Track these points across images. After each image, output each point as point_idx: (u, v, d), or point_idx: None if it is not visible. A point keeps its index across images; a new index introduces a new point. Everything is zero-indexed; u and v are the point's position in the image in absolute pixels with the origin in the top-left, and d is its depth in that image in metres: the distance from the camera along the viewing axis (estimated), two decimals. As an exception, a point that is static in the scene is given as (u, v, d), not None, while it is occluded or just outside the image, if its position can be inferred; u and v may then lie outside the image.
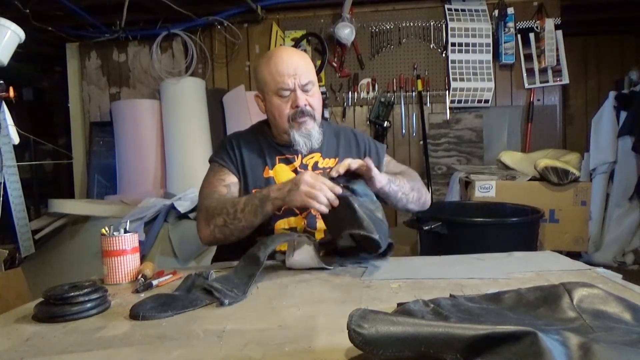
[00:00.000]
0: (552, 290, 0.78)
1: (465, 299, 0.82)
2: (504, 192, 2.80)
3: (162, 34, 3.64)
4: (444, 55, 3.62)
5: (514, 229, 2.11)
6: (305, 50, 3.58)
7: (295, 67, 1.35)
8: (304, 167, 1.43)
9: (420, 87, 3.60)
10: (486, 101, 3.55)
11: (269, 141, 1.46)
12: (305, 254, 1.16)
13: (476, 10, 3.56)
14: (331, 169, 1.25)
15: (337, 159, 1.46)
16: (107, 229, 1.16)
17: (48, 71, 4.77)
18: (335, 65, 3.68)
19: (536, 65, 3.54)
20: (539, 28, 3.51)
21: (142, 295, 1.02)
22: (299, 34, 3.70)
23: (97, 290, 0.93)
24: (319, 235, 1.36)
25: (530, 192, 2.80)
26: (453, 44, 3.54)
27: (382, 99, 3.63)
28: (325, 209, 1.17)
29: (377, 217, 1.21)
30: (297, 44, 3.64)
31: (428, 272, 1.12)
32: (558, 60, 3.48)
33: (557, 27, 3.48)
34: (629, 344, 0.60)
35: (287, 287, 1.04)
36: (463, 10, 3.56)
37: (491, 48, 3.52)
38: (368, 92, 3.68)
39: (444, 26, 3.60)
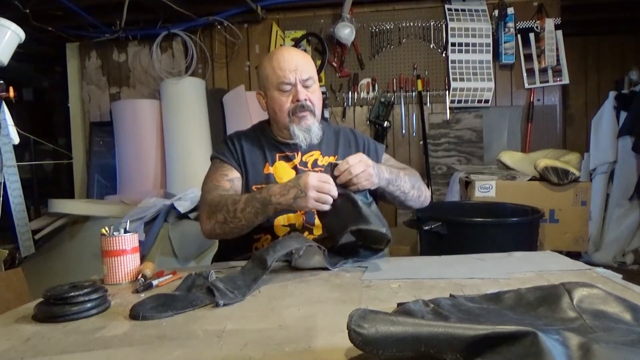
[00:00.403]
0: (552, 290, 0.78)
1: (465, 299, 0.82)
2: (504, 192, 2.80)
3: (162, 34, 3.64)
4: (444, 55, 3.62)
5: (514, 229, 2.11)
6: (305, 50, 3.58)
7: (296, 63, 1.37)
8: (304, 164, 1.44)
9: (420, 87, 3.60)
10: (486, 101, 3.55)
11: (269, 139, 1.48)
12: (312, 257, 1.17)
13: (476, 10, 3.56)
14: (335, 165, 1.22)
15: (336, 157, 1.47)
16: (107, 229, 1.16)
17: (48, 71, 4.77)
18: (335, 65, 3.68)
19: (536, 65, 3.53)
20: (539, 28, 3.51)
21: (142, 295, 1.02)
22: (299, 34, 3.70)
23: (97, 290, 0.93)
24: (318, 232, 1.37)
25: (530, 192, 2.80)
26: (453, 44, 3.54)
27: (382, 99, 3.63)
28: (329, 206, 1.17)
29: (378, 213, 1.21)
30: (297, 44, 3.64)
31: (428, 272, 1.12)
32: (558, 60, 3.48)
33: (557, 27, 3.48)
34: (628, 344, 0.60)
35: (287, 287, 1.04)
36: (463, 10, 3.56)
37: (491, 48, 3.52)
38: (368, 92, 3.68)
39: (444, 26, 3.60)
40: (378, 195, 1.39)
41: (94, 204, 3.13)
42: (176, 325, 0.83)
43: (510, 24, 3.49)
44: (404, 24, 3.64)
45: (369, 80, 3.68)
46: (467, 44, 3.53)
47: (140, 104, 3.64)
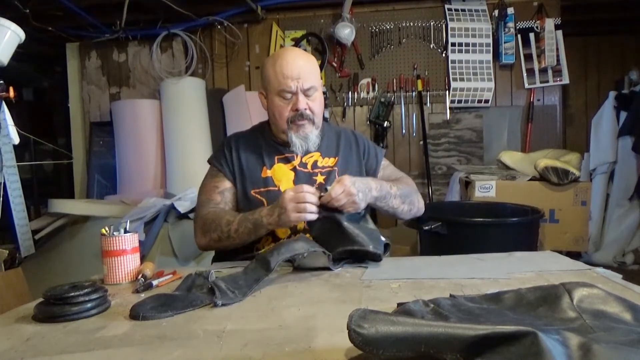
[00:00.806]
0: (552, 290, 0.77)
1: (465, 299, 0.82)
2: (504, 192, 2.80)
3: (162, 34, 3.64)
4: (444, 55, 3.62)
5: (514, 229, 2.11)
6: (305, 50, 3.58)
7: (299, 70, 1.36)
8: (303, 165, 1.44)
9: (420, 87, 3.60)
10: (486, 101, 3.55)
11: (268, 141, 1.48)
12: (315, 258, 1.17)
13: (476, 10, 3.56)
14: (324, 186, 1.26)
15: (336, 158, 1.47)
16: (107, 229, 1.16)
17: (48, 71, 4.77)
18: (335, 65, 3.68)
19: (536, 65, 3.53)
20: (539, 28, 3.51)
21: (142, 295, 1.02)
22: (299, 34, 3.70)
23: (97, 290, 0.93)
24: None
25: (530, 192, 2.80)
26: (453, 44, 3.54)
27: (382, 99, 3.63)
28: (315, 215, 1.20)
29: (367, 227, 1.23)
30: (297, 44, 3.64)
31: (428, 272, 1.12)
32: (558, 60, 3.48)
33: (557, 27, 3.48)
34: (628, 344, 0.60)
35: (287, 287, 1.04)
36: (463, 10, 3.56)
37: (491, 48, 3.52)
38: (368, 92, 3.68)
39: (444, 26, 3.60)
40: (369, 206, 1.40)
41: (94, 204, 3.13)
42: (176, 325, 0.83)
43: (510, 24, 3.49)
44: (404, 24, 3.64)
45: (369, 80, 3.68)
46: (467, 44, 3.53)
47: (140, 104, 3.64)
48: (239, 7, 3.50)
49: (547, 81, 3.53)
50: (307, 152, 1.44)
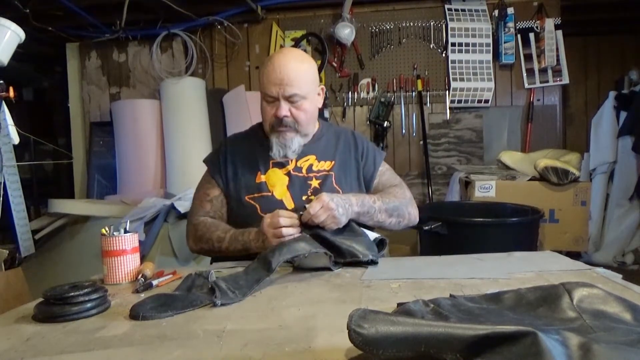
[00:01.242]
0: (552, 290, 0.77)
1: (465, 299, 0.82)
2: (504, 192, 2.80)
3: (162, 34, 3.64)
4: (444, 55, 3.62)
5: (514, 229, 2.12)
6: (305, 50, 3.58)
7: (283, 77, 1.33)
8: (298, 170, 1.42)
9: (420, 87, 3.60)
10: (486, 101, 3.55)
11: (264, 145, 1.45)
12: (316, 258, 1.17)
13: (476, 10, 3.56)
14: (302, 204, 1.29)
15: (333, 162, 1.45)
16: (107, 229, 1.16)
17: (48, 71, 4.77)
18: (335, 65, 3.68)
19: (536, 65, 3.53)
20: (539, 28, 3.51)
21: (142, 295, 1.02)
22: (299, 34, 3.70)
23: (97, 290, 0.93)
24: None
25: (530, 192, 2.80)
26: (453, 44, 3.54)
27: (382, 99, 3.63)
28: (293, 234, 1.22)
29: (354, 237, 1.24)
30: (297, 44, 3.64)
31: (428, 272, 1.12)
32: (558, 60, 3.47)
33: (557, 27, 3.48)
34: (629, 344, 0.60)
35: (287, 287, 1.04)
36: (463, 10, 3.56)
37: (491, 48, 3.52)
38: (368, 92, 3.68)
39: (444, 26, 3.60)
40: None
41: (94, 204, 3.13)
42: (176, 325, 0.83)
43: (510, 24, 3.49)
44: (404, 24, 3.64)
45: (369, 80, 3.68)
46: (467, 44, 3.53)
47: (140, 104, 3.64)
48: (239, 7, 3.50)
49: (547, 81, 3.53)
50: (285, 156, 1.42)
